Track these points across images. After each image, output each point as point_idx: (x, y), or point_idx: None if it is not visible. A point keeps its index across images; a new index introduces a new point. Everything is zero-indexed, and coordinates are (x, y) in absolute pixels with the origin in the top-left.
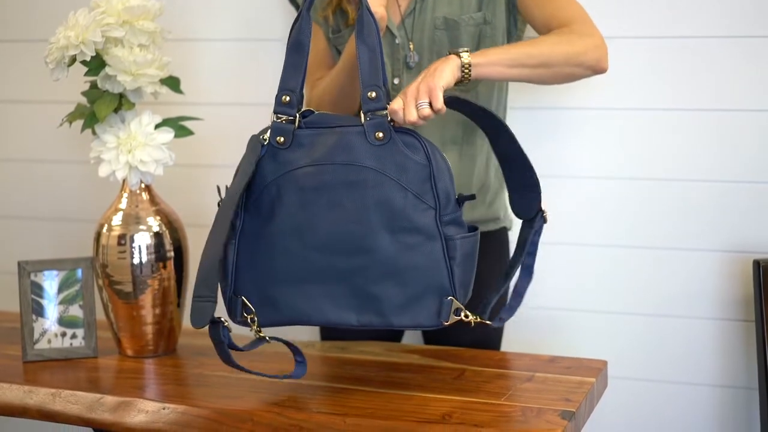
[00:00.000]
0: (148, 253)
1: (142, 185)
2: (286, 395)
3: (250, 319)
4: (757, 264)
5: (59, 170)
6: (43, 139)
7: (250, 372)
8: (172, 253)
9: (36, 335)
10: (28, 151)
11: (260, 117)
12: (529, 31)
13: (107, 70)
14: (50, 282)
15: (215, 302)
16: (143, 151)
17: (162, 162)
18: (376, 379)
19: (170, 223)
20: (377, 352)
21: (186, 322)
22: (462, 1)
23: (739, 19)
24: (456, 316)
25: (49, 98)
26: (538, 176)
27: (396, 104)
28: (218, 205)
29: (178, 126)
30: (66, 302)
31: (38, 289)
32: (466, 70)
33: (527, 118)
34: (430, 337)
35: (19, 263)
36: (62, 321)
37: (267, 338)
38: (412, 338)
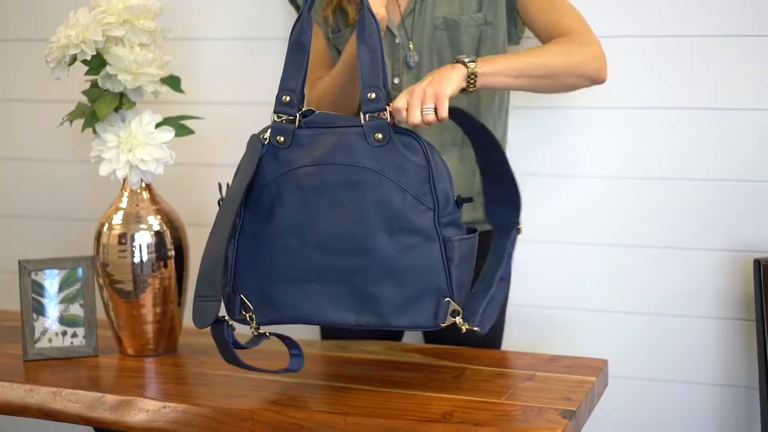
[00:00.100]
0: (148, 252)
1: (143, 184)
2: (287, 394)
3: (249, 317)
4: (757, 263)
5: (60, 169)
6: (44, 138)
7: (254, 369)
8: (172, 252)
9: (37, 334)
10: (28, 150)
11: (260, 116)
12: (528, 32)
13: (108, 69)
14: (51, 281)
15: (219, 301)
16: (144, 150)
17: (162, 161)
18: (377, 378)
19: (171, 222)
20: (378, 351)
21: (186, 321)
22: (462, 2)
23: (739, 18)
24: (452, 317)
25: (50, 97)
26: (539, 176)
27: (400, 102)
28: (219, 203)
29: (179, 125)
30: (67, 301)
31: (39, 288)
32: (472, 80)
33: (527, 117)
34: (430, 336)
35: (19, 262)
36: (63, 320)
37: (267, 334)
38: (412, 337)
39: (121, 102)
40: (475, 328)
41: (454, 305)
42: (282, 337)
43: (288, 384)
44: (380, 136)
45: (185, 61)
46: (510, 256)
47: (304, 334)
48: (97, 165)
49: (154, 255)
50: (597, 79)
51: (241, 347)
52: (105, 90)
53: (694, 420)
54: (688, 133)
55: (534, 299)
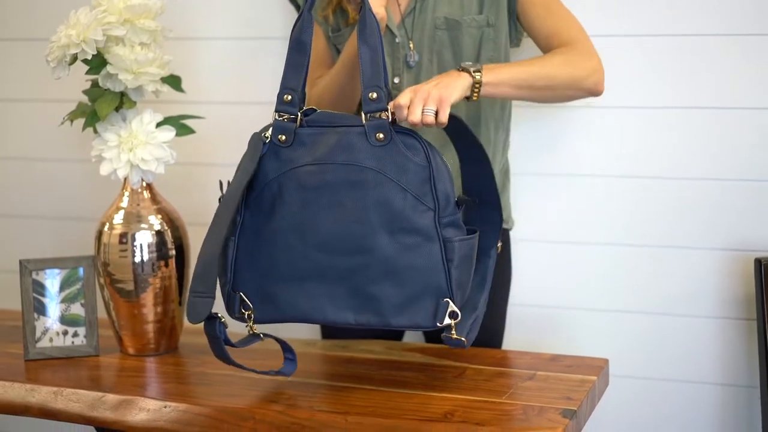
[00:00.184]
0: (149, 252)
1: (144, 184)
2: (288, 393)
3: (247, 315)
4: (758, 262)
5: (61, 169)
6: (45, 138)
7: (243, 368)
8: (173, 252)
9: (38, 334)
10: (29, 149)
11: (261, 115)
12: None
13: (108, 68)
14: (52, 280)
15: (213, 298)
16: (144, 150)
17: (163, 160)
18: (378, 378)
19: (171, 221)
20: (378, 350)
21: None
22: (462, 2)
23: (738, 17)
24: (450, 318)
25: (51, 97)
26: (539, 175)
27: (403, 99)
28: (220, 201)
29: (180, 124)
30: (67, 301)
31: (40, 288)
32: (476, 90)
33: (527, 116)
34: (431, 335)
35: (20, 262)
36: (64, 319)
37: (261, 335)
38: (413, 337)
39: (122, 101)
40: (463, 338)
41: (452, 306)
42: (278, 340)
43: (289, 383)
44: (381, 135)
45: (186, 61)
46: (492, 274)
47: (305, 333)
48: (98, 164)
49: (154, 254)
50: (595, 92)
51: (233, 345)
52: (106, 89)
53: (694, 419)
54: (689, 133)
55: (534, 299)
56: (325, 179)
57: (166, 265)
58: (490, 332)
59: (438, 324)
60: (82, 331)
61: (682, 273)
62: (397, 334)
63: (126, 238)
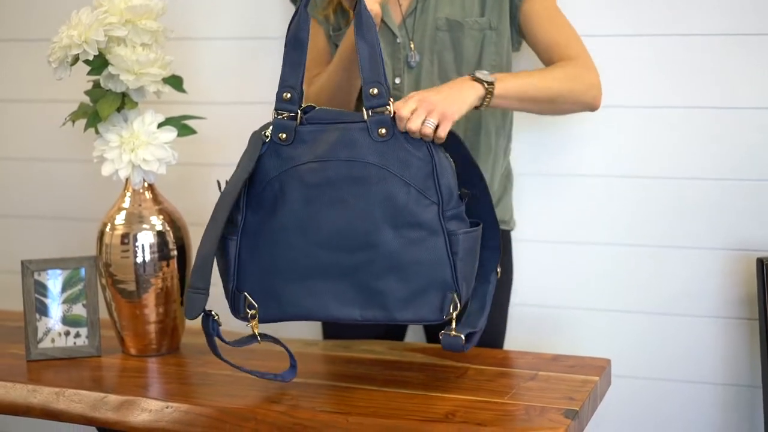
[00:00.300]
0: (151, 252)
1: (145, 184)
2: (290, 394)
3: (251, 315)
4: (760, 262)
5: (62, 169)
6: (46, 138)
7: (237, 368)
8: (175, 252)
9: (39, 334)
10: (31, 150)
11: (263, 115)
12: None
13: (110, 69)
14: (54, 281)
15: (207, 295)
16: (146, 150)
17: (165, 161)
18: (379, 378)
19: (173, 221)
20: (380, 350)
21: (189, 321)
22: (464, 3)
23: (739, 17)
24: (454, 310)
25: (52, 97)
26: (540, 175)
27: (405, 111)
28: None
29: (181, 125)
30: (69, 301)
31: (42, 288)
32: (486, 101)
33: (528, 117)
34: (432, 335)
35: (22, 262)
36: (66, 320)
37: (258, 338)
38: (415, 337)
39: (124, 102)
40: (462, 335)
41: (457, 299)
42: (280, 344)
43: (290, 384)
44: (384, 131)
45: (187, 61)
46: (492, 296)
47: (306, 333)
48: (100, 165)
49: (156, 255)
50: (593, 107)
51: (227, 343)
52: (107, 90)
53: (696, 419)
54: (689, 132)
55: (536, 299)
56: (328, 176)
57: (168, 266)
58: (492, 332)
59: (444, 317)
60: (83, 331)
61: (683, 273)
62: (398, 334)
63: (128, 239)
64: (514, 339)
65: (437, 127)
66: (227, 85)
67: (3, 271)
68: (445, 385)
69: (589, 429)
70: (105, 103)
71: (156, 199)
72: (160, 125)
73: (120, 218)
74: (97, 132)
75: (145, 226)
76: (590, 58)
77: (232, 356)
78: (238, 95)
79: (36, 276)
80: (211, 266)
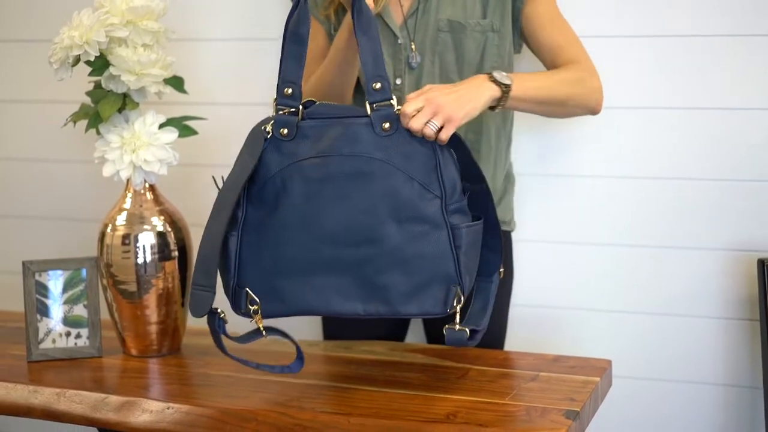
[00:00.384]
0: (152, 253)
1: (146, 185)
2: (290, 395)
3: (254, 311)
4: (761, 263)
5: (63, 170)
6: (48, 139)
7: (245, 363)
8: (176, 253)
9: (41, 335)
10: (32, 150)
11: (264, 116)
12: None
13: (111, 70)
14: (55, 282)
15: (214, 293)
16: (147, 151)
17: (166, 162)
18: (380, 379)
19: (174, 222)
20: (381, 351)
21: (190, 321)
22: (465, 5)
23: (739, 17)
24: (458, 303)
25: (53, 98)
26: (541, 176)
27: (410, 108)
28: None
29: (182, 126)
30: (70, 302)
31: (43, 289)
32: (502, 104)
33: (528, 117)
34: (433, 336)
35: (23, 263)
36: (67, 321)
37: (263, 332)
38: (415, 338)
39: (125, 103)
40: (466, 329)
41: (460, 293)
42: (285, 336)
43: (291, 385)
44: (387, 125)
45: (189, 62)
46: (494, 295)
47: (307, 334)
48: (101, 166)
49: (157, 256)
50: (596, 111)
51: (233, 340)
52: (108, 91)
53: (697, 420)
54: (690, 133)
55: (537, 299)
56: (331, 171)
57: (169, 267)
58: (492, 333)
59: (447, 310)
60: (84, 332)
61: (684, 273)
62: (399, 335)
63: (129, 240)
64: (515, 340)
65: (441, 128)
66: (228, 86)
67: (4, 272)
68: (446, 385)
69: (590, 430)
70: (106, 104)
71: (157, 199)
72: (161, 126)
73: (121, 219)
74: (98, 133)
75: (146, 226)
76: (591, 61)
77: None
78: (239, 96)
79: (37, 277)
80: (216, 263)
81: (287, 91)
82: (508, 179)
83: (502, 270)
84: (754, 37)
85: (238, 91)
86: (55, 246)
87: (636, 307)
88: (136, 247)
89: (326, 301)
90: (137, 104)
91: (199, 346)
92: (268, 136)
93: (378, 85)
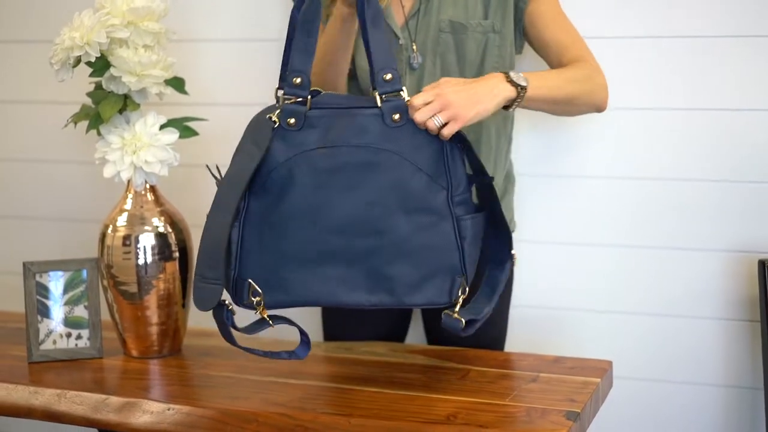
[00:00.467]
0: (152, 254)
1: (147, 186)
2: (291, 396)
3: (257, 302)
4: (762, 264)
5: (64, 171)
6: (48, 140)
7: (252, 351)
8: (177, 254)
9: (41, 336)
10: (33, 151)
11: None
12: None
13: (112, 70)
14: (55, 283)
15: (222, 285)
16: (148, 152)
17: (167, 162)
18: (381, 380)
19: (175, 223)
20: (381, 352)
21: (191, 322)
22: (467, 6)
23: (740, 19)
24: (463, 293)
25: (54, 99)
26: (542, 177)
27: (418, 101)
28: (218, 185)
29: (183, 126)
30: (71, 303)
31: (43, 290)
32: (516, 104)
33: (534, 119)
34: (433, 336)
35: (24, 264)
36: (67, 322)
37: (269, 321)
38: (415, 339)
39: (126, 104)
40: (463, 320)
41: (464, 283)
42: (291, 323)
43: (292, 385)
44: (397, 116)
45: (189, 63)
46: (502, 284)
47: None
48: (102, 167)
49: (158, 256)
50: (602, 108)
51: (240, 330)
52: (109, 92)
53: (698, 421)
54: (691, 134)
55: (537, 300)
56: (340, 162)
57: (170, 267)
58: (493, 334)
59: (452, 300)
60: (85, 333)
61: (685, 274)
62: (400, 336)
63: (129, 241)
64: (516, 341)
65: (446, 124)
66: (229, 87)
67: (4, 273)
68: (447, 386)
69: (591, 430)
70: (107, 105)
71: (158, 200)
72: (162, 127)
73: (122, 220)
74: (99, 134)
75: (146, 227)
76: (595, 58)
77: (233, 359)
78: (239, 97)
79: (38, 278)
80: (222, 255)
81: (296, 80)
82: (508, 179)
83: (516, 258)
84: (756, 38)
85: (239, 92)
86: (56, 247)
87: (636, 308)
88: (136, 248)
89: (331, 291)
90: (138, 105)
91: (200, 347)
92: (275, 126)
93: (389, 76)
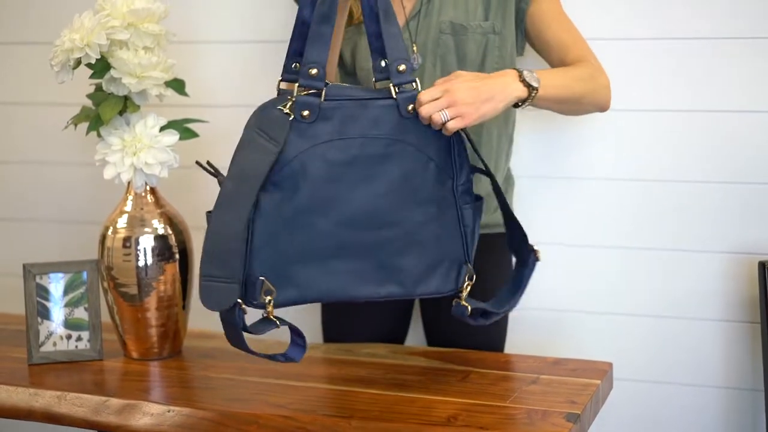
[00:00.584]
0: (153, 256)
1: (147, 187)
2: (292, 397)
3: (269, 300)
4: (762, 266)
5: (64, 172)
6: (49, 142)
7: (257, 354)
8: (177, 255)
9: (41, 338)
10: (33, 153)
11: None
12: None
13: (112, 72)
14: (56, 284)
15: (237, 284)
16: (148, 154)
17: (167, 164)
18: (381, 382)
19: (175, 225)
20: (382, 354)
21: (191, 324)
22: (468, 7)
23: (741, 20)
24: (470, 280)
25: (54, 101)
26: (544, 178)
27: (426, 96)
28: (219, 183)
29: (183, 128)
30: (71, 305)
31: (44, 292)
32: (524, 105)
33: (534, 120)
34: (434, 338)
35: (24, 266)
36: (67, 323)
37: (277, 322)
38: (416, 340)
39: (126, 105)
40: (468, 306)
41: (470, 270)
42: (289, 325)
43: (292, 387)
44: (412, 107)
45: (190, 64)
46: (527, 282)
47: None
48: (102, 168)
49: (158, 258)
50: (606, 108)
51: (250, 332)
52: (109, 93)
53: (698, 423)
54: (692, 136)
55: (537, 302)
56: (354, 154)
57: (170, 269)
58: (493, 336)
59: (458, 288)
60: (85, 335)
61: (685, 276)
62: (400, 338)
63: (129, 242)
64: (516, 342)
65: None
66: (229, 88)
67: (5, 275)
68: (447, 388)
69: None
70: (107, 107)
71: (158, 202)
72: (162, 128)
73: (122, 221)
74: (99, 135)
75: (146, 229)
76: (597, 58)
77: (233, 361)
78: (240, 98)
79: (38, 279)
80: (237, 253)
81: (312, 71)
82: (508, 182)
83: (538, 253)
84: (758, 39)
85: (239, 94)
86: (56, 249)
87: (637, 310)
88: (136, 249)
89: (342, 286)
90: (138, 107)
91: (200, 349)
92: (291, 118)
93: (402, 67)
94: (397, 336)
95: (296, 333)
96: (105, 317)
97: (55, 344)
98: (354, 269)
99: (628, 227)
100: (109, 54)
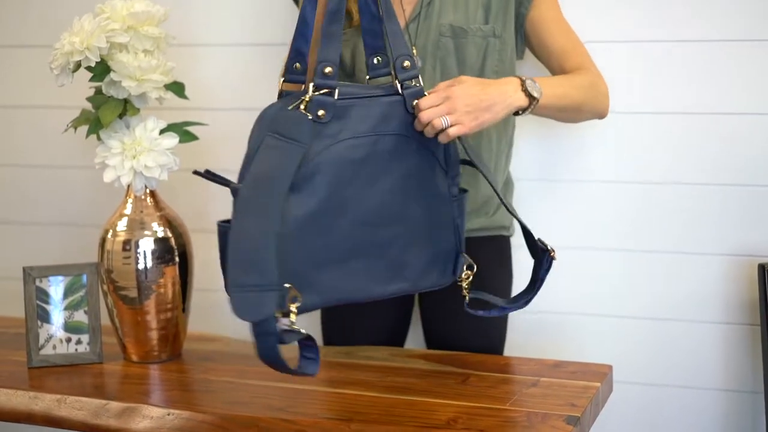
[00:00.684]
0: (152, 259)
1: (147, 190)
2: (291, 400)
3: (296, 308)
4: (762, 268)
5: (64, 176)
6: (48, 145)
7: (305, 373)
8: (177, 258)
9: (41, 341)
10: (32, 156)
11: None
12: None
13: (112, 75)
14: (55, 288)
15: (277, 290)
16: (148, 157)
17: (167, 167)
18: (381, 384)
19: (175, 228)
20: (382, 357)
21: (191, 327)
22: (468, 10)
23: (745, 22)
24: (469, 270)
25: (54, 104)
26: (544, 181)
27: (425, 102)
28: (233, 192)
29: (183, 131)
30: (71, 308)
31: (43, 295)
32: (525, 113)
33: (534, 123)
34: (433, 341)
35: (24, 269)
36: (67, 327)
37: (302, 330)
38: (415, 343)
39: (126, 108)
40: (467, 296)
41: (468, 259)
42: (306, 337)
43: (292, 390)
44: (416, 103)
45: (189, 67)
46: (543, 281)
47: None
48: (102, 171)
49: (158, 261)
50: (604, 115)
51: (283, 343)
52: (109, 96)
53: (698, 425)
54: (692, 138)
55: (536, 304)
56: (369, 151)
57: (170, 272)
58: (492, 339)
59: (456, 278)
60: (85, 338)
61: (685, 278)
62: (399, 341)
63: (129, 245)
64: (516, 345)
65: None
66: (229, 92)
67: (4, 278)
68: (447, 391)
69: None
70: (107, 110)
71: (158, 205)
72: (162, 131)
73: (122, 225)
74: (99, 138)
75: (146, 232)
76: (595, 65)
77: (233, 364)
78: (239, 101)
79: (37, 282)
80: (267, 259)
81: (327, 69)
82: (507, 185)
83: (553, 251)
84: (758, 42)
85: (239, 97)
86: (56, 252)
87: (636, 312)
88: (136, 252)
89: (360, 287)
90: (138, 110)
91: (200, 352)
92: (308, 118)
93: (407, 63)
94: (397, 337)
95: (311, 347)
96: (105, 320)
97: (54, 347)
98: (368, 268)
99: (627, 230)
100: (109, 57)
